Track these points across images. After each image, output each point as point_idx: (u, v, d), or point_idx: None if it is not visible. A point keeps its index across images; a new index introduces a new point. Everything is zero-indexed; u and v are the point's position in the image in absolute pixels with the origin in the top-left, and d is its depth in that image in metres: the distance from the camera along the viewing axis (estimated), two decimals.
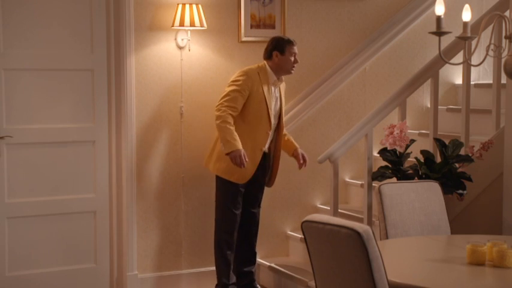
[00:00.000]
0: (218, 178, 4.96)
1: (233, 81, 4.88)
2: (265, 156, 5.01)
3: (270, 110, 4.89)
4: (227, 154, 4.72)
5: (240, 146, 4.71)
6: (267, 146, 4.99)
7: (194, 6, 5.12)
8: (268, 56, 4.96)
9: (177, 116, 5.31)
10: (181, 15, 5.09)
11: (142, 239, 5.27)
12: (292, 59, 4.92)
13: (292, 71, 4.97)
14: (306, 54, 5.68)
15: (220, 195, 4.99)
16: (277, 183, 5.62)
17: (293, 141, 5.14)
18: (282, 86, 5.06)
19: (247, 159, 4.74)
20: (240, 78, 4.85)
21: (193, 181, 5.39)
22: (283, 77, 5.03)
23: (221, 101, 4.81)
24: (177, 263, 5.38)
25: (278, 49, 4.90)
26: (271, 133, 4.97)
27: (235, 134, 4.73)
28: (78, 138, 5.12)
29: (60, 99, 5.07)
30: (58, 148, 5.06)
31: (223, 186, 4.94)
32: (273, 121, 4.95)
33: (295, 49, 4.93)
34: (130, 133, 5.16)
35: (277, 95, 4.99)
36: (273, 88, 4.96)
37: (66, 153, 5.09)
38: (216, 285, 5.04)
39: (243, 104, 4.82)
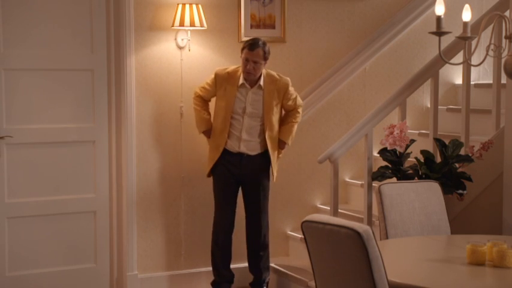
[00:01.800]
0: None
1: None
2: (245, 156, 5.00)
3: (229, 112, 4.92)
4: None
5: (202, 129, 5.05)
6: (238, 146, 4.98)
7: (194, 6, 5.12)
8: None
9: (177, 116, 5.31)
10: (181, 15, 5.09)
11: (142, 239, 5.27)
12: (245, 63, 4.88)
13: (247, 77, 4.91)
14: (306, 54, 5.68)
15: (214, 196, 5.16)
16: (277, 183, 5.63)
17: (285, 133, 5.05)
18: (272, 88, 4.97)
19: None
20: (211, 76, 5.06)
21: (193, 181, 5.39)
22: (263, 81, 4.96)
23: (196, 89, 5.09)
24: (177, 263, 5.38)
25: (241, 49, 4.98)
26: (242, 133, 4.96)
27: (202, 115, 5.04)
28: (78, 138, 5.12)
29: (60, 99, 5.07)
30: (58, 148, 5.06)
31: (212, 186, 5.12)
32: (247, 122, 4.95)
33: (249, 55, 4.86)
34: (130, 133, 5.16)
35: (257, 98, 4.95)
36: (243, 90, 4.95)
37: (66, 153, 5.09)
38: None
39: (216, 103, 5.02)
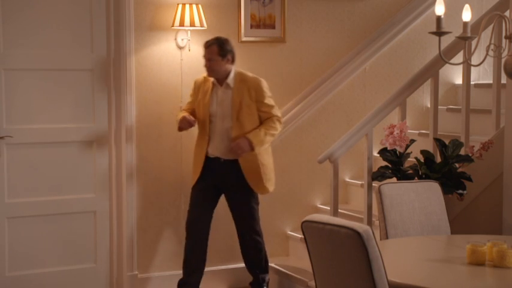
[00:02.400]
0: None
1: None
2: (222, 161, 4.90)
3: (206, 115, 4.87)
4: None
5: (180, 115, 4.96)
6: (215, 150, 4.89)
7: (194, 6, 5.13)
8: None
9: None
10: (181, 15, 5.09)
11: (142, 239, 5.27)
12: (204, 61, 4.88)
13: (207, 75, 4.90)
14: (306, 54, 5.68)
15: None
16: (277, 183, 5.62)
17: (253, 133, 4.82)
18: (242, 87, 4.86)
19: (193, 119, 4.88)
20: (192, 87, 5.08)
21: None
22: (232, 79, 4.87)
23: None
24: (177, 263, 5.38)
25: None
26: (216, 137, 4.88)
27: (182, 111, 5.03)
28: (78, 138, 5.12)
29: (60, 99, 5.07)
30: (58, 148, 5.06)
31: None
32: (220, 124, 4.87)
33: (204, 53, 4.87)
34: (130, 133, 5.16)
35: (225, 97, 4.86)
36: (216, 90, 4.89)
37: (66, 153, 5.09)
38: None
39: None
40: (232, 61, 4.89)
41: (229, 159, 4.88)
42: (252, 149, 4.81)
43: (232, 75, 4.88)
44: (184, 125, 4.91)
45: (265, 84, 4.92)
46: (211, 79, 4.91)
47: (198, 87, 4.99)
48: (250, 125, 4.85)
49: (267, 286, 5.17)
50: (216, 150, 4.89)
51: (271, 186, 5.01)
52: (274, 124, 4.89)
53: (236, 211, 5.02)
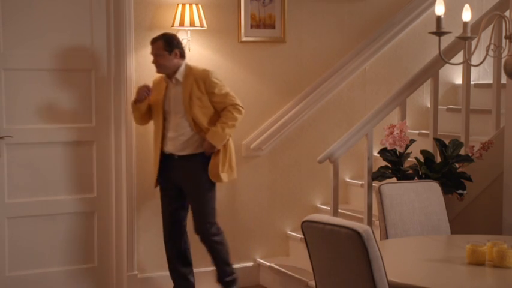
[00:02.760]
0: None
1: None
2: (176, 158, 4.86)
3: (160, 112, 4.83)
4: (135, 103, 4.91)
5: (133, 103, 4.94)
6: (169, 147, 4.85)
7: (194, 6, 5.13)
8: None
9: None
10: (181, 15, 5.09)
11: (142, 239, 5.27)
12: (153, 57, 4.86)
13: (157, 70, 4.87)
14: (305, 54, 5.68)
15: None
16: (277, 183, 5.64)
17: (211, 133, 4.76)
18: (190, 81, 4.79)
19: (150, 88, 4.85)
20: None
21: None
22: (176, 78, 4.82)
23: None
24: None
25: None
26: (170, 133, 4.83)
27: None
28: (78, 138, 5.12)
29: (60, 99, 5.07)
30: (58, 148, 5.06)
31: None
32: (173, 120, 4.82)
33: (151, 49, 4.85)
34: (130, 133, 5.16)
35: (177, 92, 4.82)
36: (169, 87, 4.86)
37: (66, 153, 5.09)
38: None
39: None
40: (181, 56, 4.84)
41: (183, 155, 4.84)
42: (214, 147, 4.79)
43: (181, 69, 4.83)
44: (141, 95, 4.85)
45: (213, 75, 4.84)
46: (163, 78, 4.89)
47: (155, 86, 4.93)
48: (204, 118, 4.79)
49: (235, 284, 5.07)
50: (171, 146, 4.85)
51: (226, 177, 4.88)
52: (231, 114, 4.80)
53: (192, 206, 4.96)
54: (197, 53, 5.31)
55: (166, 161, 4.89)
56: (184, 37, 5.24)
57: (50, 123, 5.04)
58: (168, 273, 5.24)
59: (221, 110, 4.83)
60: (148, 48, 5.16)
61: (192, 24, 5.10)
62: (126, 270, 5.20)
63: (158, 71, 4.86)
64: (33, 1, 4.94)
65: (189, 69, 4.85)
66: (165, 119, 4.86)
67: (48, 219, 5.06)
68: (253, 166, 5.56)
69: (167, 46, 4.79)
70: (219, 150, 4.83)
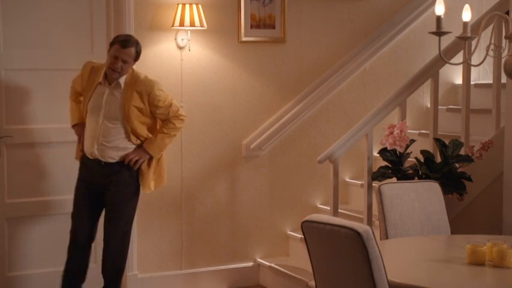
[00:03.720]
0: None
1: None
2: (102, 164, 4.52)
3: (84, 108, 4.51)
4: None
5: (72, 122, 4.66)
6: (93, 150, 4.48)
7: (194, 6, 5.12)
8: None
9: None
10: (181, 15, 5.09)
11: (142, 239, 5.27)
12: (112, 61, 4.39)
13: (110, 75, 4.42)
14: (305, 54, 5.68)
15: None
16: (277, 183, 5.63)
17: (149, 142, 4.54)
18: (131, 89, 4.46)
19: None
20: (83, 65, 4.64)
21: (193, 181, 5.39)
22: (118, 82, 4.47)
23: None
24: (177, 263, 5.38)
25: (110, 43, 4.51)
26: (94, 135, 4.47)
27: (73, 108, 4.69)
28: None
29: (60, 99, 5.06)
30: (58, 148, 5.06)
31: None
32: (103, 124, 4.45)
33: (119, 53, 4.39)
34: None
35: (114, 98, 4.46)
36: (103, 88, 4.47)
37: (66, 153, 5.08)
38: None
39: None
40: None
41: (110, 162, 4.50)
42: (151, 156, 4.56)
43: (125, 75, 4.50)
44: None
45: (158, 86, 4.52)
46: (101, 73, 4.48)
47: (89, 72, 4.52)
48: (141, 127, 4.51)
49: None
50: (96, 151, 4.48)
51: (154, 185, 4.66)
52: (173, 125, 4.56)
53: (107, 222, 4.62)
54: (197, 53, 5.31)
55: (88, 163, 4.55)
56: (184, 37, 5.24)
57: (50, 123, 5.04)
58: (167, 273, 5.26)
59: (163, 119, 4.59)
60: (149, 48, 5.17)
61: (192, 24, 5.10)
62: (126, 270, 5.19)
63: (114, 76, 4.43)
64: (33, 1, 4.94)
65: (134, 76, 4.50)
66: (88, 118, 4.50)
67: (48, 219, 5.06)
68: (253, 166, 5.56)
69: (136, 56, 4.49)
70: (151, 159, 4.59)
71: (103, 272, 4.66)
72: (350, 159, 5.71)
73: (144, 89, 4.49)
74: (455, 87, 6.08)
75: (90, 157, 4.52)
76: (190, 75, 5.32)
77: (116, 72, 4.42)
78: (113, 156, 4.49)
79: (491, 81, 5.13)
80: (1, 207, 4.92)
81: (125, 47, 4.41)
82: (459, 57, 5.05)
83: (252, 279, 5.57)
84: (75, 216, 4.64)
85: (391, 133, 4.73)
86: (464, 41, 3.98)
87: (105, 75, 4.49)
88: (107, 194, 4.56)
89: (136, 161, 4.53)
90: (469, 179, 4.67)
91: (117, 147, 4.49)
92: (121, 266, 4.65)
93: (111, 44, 4.48)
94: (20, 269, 5.00)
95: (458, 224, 4.70)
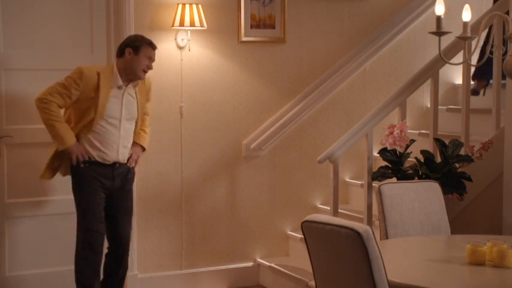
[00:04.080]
0: None
1: (67, 76, 4.42)
2: (117, 166, 4.55)
3: (101, 116, 4.39)
4: (61, 150, 4.42)
5: (73, 139, 4.40)
6: (118, 155, 4.51)
7: (194, 6, 5.13)
8: (120, 52, 4.51)
9: (177, 116, 5.32)
10: (181, 15, 5.09)
11: (142, 239, 5.27)
12: (146, 62, 4.47)
13: (142, 76, 4.49)
14: (306, 54, 5.68)
15: None
16: (277, 183, 5.63)
17: (141, 138, 4.65)
18: (142, 87, 4.59)
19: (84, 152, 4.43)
20: (74, 76, 4.39)
21: (193, 181, 5.39)
22: (137, 82, 4.54)
23: (44, 92, 4.40)
24: (177, 263, 5.38)
25: (132, 46, 4.48)
26: (119, 140, 4.50)
27: (66, 126, 4.40)
28: None
29: None
30: None
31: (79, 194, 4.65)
32: (123, 127, 4.49)
33: (152, 54, 4.51)
34: None
35: (131, 98, 4.52)
36: (118, 92, 4.46)
37: None
38: None
39: (73, 105, 4.42)
40: None
41: (122, 163, 4.57)
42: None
43: None
44: (79, 156, 4.44)
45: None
46: (112, 77, 4.45)
47: (85, 83, 4.38)
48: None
49: None
50: (119, 154, 4.52)
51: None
52: (147, 119, 4.72)
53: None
54: (197, 53, 5.31)
55: (100, 170, 4.49)
56: (184, 37, 5.24)
57: None
58: (167, 273, 5.26)
59: (142, 114, 4.63)
60: None
61: (192, 24, 5.10)
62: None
63: (142, 77, 4.52)
64: (33, 1, 4.94)
65: None
66: (107, 123, 4.45)
67: (48, 219, 5.06)
68: (253, 166, 5.56)
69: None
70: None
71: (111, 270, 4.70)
72: (350, 159, 5.71)
73: (147, 85, 4.68)
74: (455, 87, 6.08)
75: (107, 162, 4.49)
76: (190, 75, 5.32)
77: (146, 73, 4.54)
78: (126, 155, 4.59)
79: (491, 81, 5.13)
80: (1, 207, 4.92)
81: (155, 48, 4.55)
82: (459, 57, 5.04)
83: (252, 279, 5.57)
84: (96, 227, 4.51)
85: (391, 133, 4.73)
86: (464, 41, 3.97)
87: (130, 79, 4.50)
88: (119, 193, 4.59)
89: (136, 160, 4.67)
90: (469, 179, 4.67)
91: (129, 147, 4.61)
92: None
93: (143, 44, 4.47)
94: (20, 269, 5.00)
95: (458, 224, 4.70)
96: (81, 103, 4.42)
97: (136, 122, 4.59)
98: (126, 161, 4.59)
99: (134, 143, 4.63)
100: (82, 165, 4.45)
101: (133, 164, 4.63)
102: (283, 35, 5.57)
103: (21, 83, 4.95)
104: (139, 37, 4.56)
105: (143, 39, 4.53)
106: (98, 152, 4.47)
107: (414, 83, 5.13)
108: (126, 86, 4.51)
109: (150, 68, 4.52)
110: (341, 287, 3.03)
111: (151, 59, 4.53)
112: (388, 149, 4.77)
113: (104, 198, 4.55)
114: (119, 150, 4.52)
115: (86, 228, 4.48)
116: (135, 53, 4.47)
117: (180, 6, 5.11)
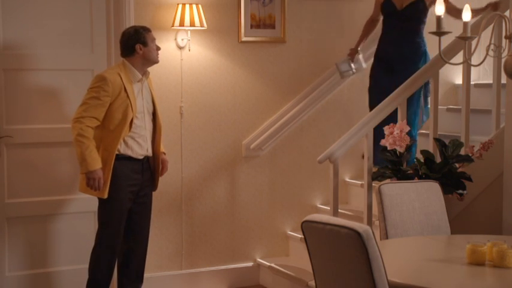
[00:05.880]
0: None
1: (91, 88, 4.44)
2: (145, 161, 4.63)
3: (135, 113, 4.44)
4: (83, 173, 4.38)
5: (97, 165, 4.33)
6: (146, 149, 4.59)
7: (194, 6, 5.13)
8: (129, 52, 4.54)
9: (177, 116, 5.32)
10: (181, 15, 5.09)
11: None
12: (155, 46, 4.59)
13: (158, 59, 4.62)
14: (306, 53, 5.68)
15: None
16: (277, 183, 5.62)
17: (160, 143, 4.73)
18: (149, 80, 4.67)
19: (102, 183, 4.38)
20: (98, 84, 4.41)
21: (193, 181, 5.39)
22: (148, 71, 4.63)
23: (79, 111, 4.38)
24: (177, 263, 5.38)
25: (140, 41, 4.52)
26: (147, 135, 4.58)
27: (94, 150, 4.34)
28: None
29: (60, 99, 5.07)
30: (58, 148, 5.06)
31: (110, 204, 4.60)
32: (147, 121, 4.58)
33: (153, 35, 4.62)
34: None
35: (146, 92, 4.60)
36: (138, 86, 4.53)
37: (66, 153, 5.08)
38: None
39: (106, 112, 4.40)
40: None
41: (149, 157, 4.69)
42: None
43: None
44: (97, 187, 4.39)
45: None
46: (130, 73, 4.51)
47: (112, 86, 4.41)
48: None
49: None
50: (149, 148, 4.63)
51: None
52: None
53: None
54: (197, 53, 5.31)
55: (133, 165, 4.55)
56: (184, 37, 5.24)
57: (50, 123, 5.04)
58: (167, 273, 5.26)
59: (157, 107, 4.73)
60: None
61: (192, 24, 5.10)
62: None
63: (158, 61, 4.64)
64: (33, 1, 4.94)
65: None
66: (137, 119, 4.51)
67: (48, 219, 5.06)
68: (253, 166, 5.57)
69: None
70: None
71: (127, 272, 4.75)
72: (350, 159, 5.71)
73: (150, 78, 4.70)
74: (455, 87, 6.08)
75: (140, 157, 4.55)
76: (190, 75, 5.32)
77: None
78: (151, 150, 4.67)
79: (491, 81, 5.13)
80: (1, 207, 4.92)
81: (151, 30, 4.64)
82: (459, 57, 5.04)
83: (252, 279, 5.57)
84: (117, 230, 4.59)
85: (391, 133, 4.73)
86: (464, 41, 3.97)
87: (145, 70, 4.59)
88: (146, 189, 4.66)
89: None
90: (469, 179, 4.66)
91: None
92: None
93: (145, 34, 4.54)
94: (20, 269, 5.00)
95: (458, 224, 4.69)
96: (115, 107, 4.41)
97: (154, 115, 4.62)
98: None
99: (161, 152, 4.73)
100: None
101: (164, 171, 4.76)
102: (283, 35, 5.57)
103: (21, 83, 4.95)
104: (138, 30, 4.58)
105: (143, 30, 4.58)
106: (140, 149, 4.54)
107: (414, 83, 5.13)
108: (144, 77, 4.59)
109: (159, 48, 4.64)
110: (341, 287, 3.03)
111: (155, 39, 4.63)
112: (388, 149, 4.77)
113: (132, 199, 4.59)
114: (149, 144, 4.61)
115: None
116: (144, 45, 4.54)
117: (180, 6, 5.11)
